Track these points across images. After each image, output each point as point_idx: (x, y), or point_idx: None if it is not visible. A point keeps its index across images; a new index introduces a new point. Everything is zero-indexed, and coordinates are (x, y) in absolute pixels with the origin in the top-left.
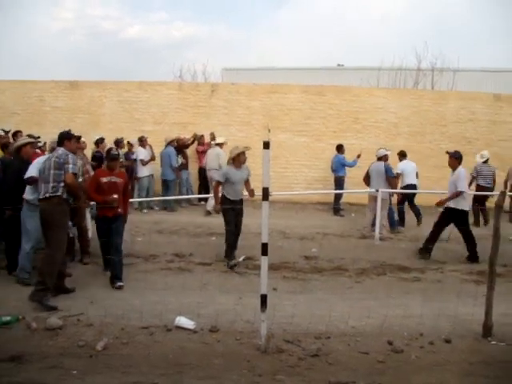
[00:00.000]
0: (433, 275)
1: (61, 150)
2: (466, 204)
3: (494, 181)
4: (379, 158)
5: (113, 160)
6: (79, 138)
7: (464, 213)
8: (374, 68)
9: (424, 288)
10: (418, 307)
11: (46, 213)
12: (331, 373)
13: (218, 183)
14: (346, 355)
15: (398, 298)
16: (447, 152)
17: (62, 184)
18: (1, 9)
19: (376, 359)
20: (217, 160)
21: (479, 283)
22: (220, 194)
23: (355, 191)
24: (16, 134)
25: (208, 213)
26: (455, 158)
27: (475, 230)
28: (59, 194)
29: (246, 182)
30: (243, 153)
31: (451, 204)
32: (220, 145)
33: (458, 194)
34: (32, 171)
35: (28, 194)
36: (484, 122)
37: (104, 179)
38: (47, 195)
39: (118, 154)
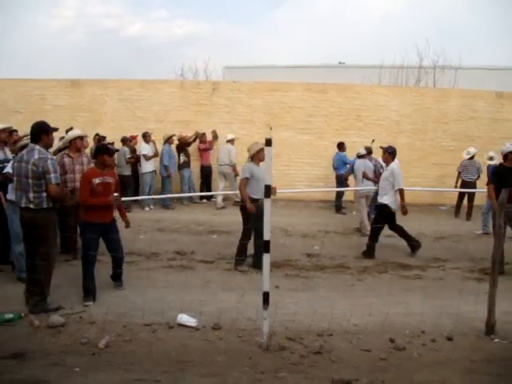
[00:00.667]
0: (434, 273)
1: (36, 153)
2: (393, 201)
3: (479, 176)
4: (360, 157)
5: (110, 154)
6: (56, 129)
7: (390, 209)
8: (375, 66)
9: (425, 286)
10: (419, 305)
11: (32, 226)
12: (333, 370)
13: (246, 180)
14: (348, 353)
15: (399, 296)
16: (381, 147)
17: (45, 194)
18: (1, 8)
19: (378, 357)
20: (228, 156)
21: (481, 281)
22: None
23: (357, 189)
24: (11, 133)
25: (222, 207)
26: (389, 153)
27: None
28: (45, 206)
29: None
30: (263, 149)
31: (382, 200)
32: (231, 141)
33: (402, 192)
34: (9, 168)
35: (11, 193)
36: (486, 120)
37: (97, 180)
38: (31, 206)
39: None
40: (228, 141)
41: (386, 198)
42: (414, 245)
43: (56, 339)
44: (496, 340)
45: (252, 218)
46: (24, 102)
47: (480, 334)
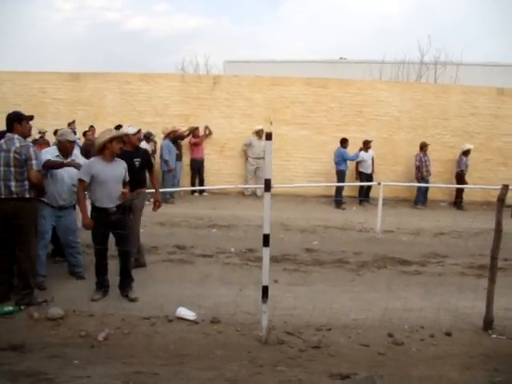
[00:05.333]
0: (433, 268)
1: (17, 141)
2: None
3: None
4: None
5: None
6: (31, 117)
7: None
8: (376, 61)
9: (425, 281)
10: (418, 300)
11: (15, 216)
12: (332, 364)
13: (81, 183)
14: (346, 347)
15: (398, 291)
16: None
17: (26, 181)
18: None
19: (377, 351)
20: (258, 148)
21: (480, 277)
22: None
23: (356, 184)
24: None
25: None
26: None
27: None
28: (27, 196)
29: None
30: (118, 138)
31: None
32: (259, 132)
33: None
34: None
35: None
36: (486, 117)
37: None
38: (14, 196)
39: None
40: (256, 132)
41: None
42: None
43: (55, 332)
44: (494, 336)
45: (96, 236)
46: (24, 95)
47: (478, 330)
